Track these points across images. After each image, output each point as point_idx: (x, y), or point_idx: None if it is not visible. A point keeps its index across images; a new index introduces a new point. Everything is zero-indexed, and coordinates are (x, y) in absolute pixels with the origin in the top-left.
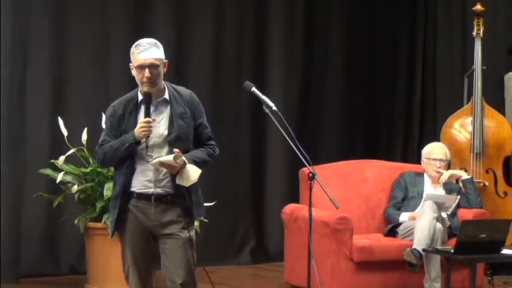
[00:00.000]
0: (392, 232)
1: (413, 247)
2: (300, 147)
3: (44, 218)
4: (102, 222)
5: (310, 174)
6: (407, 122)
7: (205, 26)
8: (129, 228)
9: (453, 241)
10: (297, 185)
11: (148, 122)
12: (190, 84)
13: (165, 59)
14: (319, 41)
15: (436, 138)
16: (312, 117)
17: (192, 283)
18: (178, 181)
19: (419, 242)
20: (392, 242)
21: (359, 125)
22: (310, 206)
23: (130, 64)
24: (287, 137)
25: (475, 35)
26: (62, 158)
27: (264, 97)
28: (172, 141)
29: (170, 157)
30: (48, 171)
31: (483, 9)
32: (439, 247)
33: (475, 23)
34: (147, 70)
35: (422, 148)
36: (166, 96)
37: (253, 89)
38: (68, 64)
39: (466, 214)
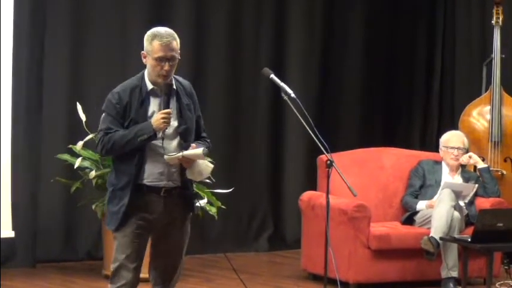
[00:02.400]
0: (409, 220)
1: (430, 235)
2: (318, 134)
3: (62, 203)
4: None
5: (328, 162)
6: (425, 111)
7: (224, 11)
8: (132, 225)
9: (470, 230)
10: (314, 173)
11: (169, 113)
12: (208, 71)
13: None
14: (338, 29)
15: (454, 126)
16: (331, 105)
17: (176, 282)
18: (189, 175)
19: (436, 230)
20: (409, 230)
21: (377, 113)
22: (327, 193)
23: (143, 52)
24: (305, 124)
25: (494, 24)
26: (80, 143)
27: (282, 84)
28: (183, 132)
29: (198, 151)
30: (66, 157)
31: None
32: (456, 236)
33: (494, 11)
34: (167, 63)
35: (440, 136)
36: (174, 87)
37: (272, 75)
38: (86, 49)
39: (484, 203)
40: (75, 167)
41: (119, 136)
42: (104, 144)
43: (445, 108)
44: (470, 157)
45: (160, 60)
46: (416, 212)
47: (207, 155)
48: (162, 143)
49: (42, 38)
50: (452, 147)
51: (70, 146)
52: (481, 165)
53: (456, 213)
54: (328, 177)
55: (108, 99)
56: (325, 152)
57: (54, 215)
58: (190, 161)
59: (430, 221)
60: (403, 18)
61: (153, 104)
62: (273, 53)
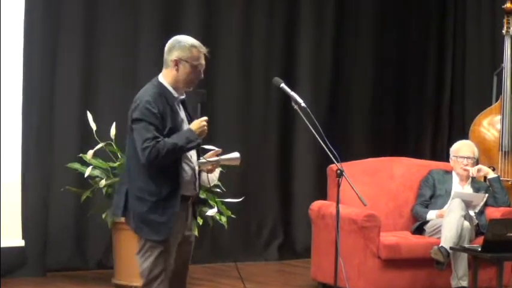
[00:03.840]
0: (419, 230)
1: (440, 245)
2: (328, 143)
3: (72, 212)
4: None
5: (338, 171)
6: (436, 120)
7: (235, 21)
8: (175, 235)
9: (480, 239)
10: (324, 182)
11: (207, 121)
12: (218, 80)
13: None
14: (348, 39)
15: (465, 136)
16: (341, 114)
17: None
18: (204, 182)
19: (446, 240)
20: (419, 240)
21: (388, 122)
22: (337, 202)
23: (176, 59)
24: (315, 134)
25: (504, 33)
26: (91, 152)
27: (292, 93)
28: None
29: (236, 155)
30: (77, 166)
31: None
32: (466, 245)
33: (504, 21)
34: (201, 71)
35: (451, 146)
36: (184, 95)
37: (282, 85)
38: (97, 58)
39: (494, 212)
40: (85, 175)
41: (171, 144)
42: (159, 151)
43: (456, 118)
44: (479, 170)
45: (196, 67)
46: (426, 222)
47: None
48: (199, 151)
49: (54, 47)
50: (462, 157)
51: (80, 155)
52: (491, 175)
53: (466, 223)
54: (338, 186)
55: (147, 109)
56: (335, 162)
57: (65, 224)
58: (216, 167)
59: (440, 230)
60: (413, 28)
61: (180, 112)
62: (283, 62)
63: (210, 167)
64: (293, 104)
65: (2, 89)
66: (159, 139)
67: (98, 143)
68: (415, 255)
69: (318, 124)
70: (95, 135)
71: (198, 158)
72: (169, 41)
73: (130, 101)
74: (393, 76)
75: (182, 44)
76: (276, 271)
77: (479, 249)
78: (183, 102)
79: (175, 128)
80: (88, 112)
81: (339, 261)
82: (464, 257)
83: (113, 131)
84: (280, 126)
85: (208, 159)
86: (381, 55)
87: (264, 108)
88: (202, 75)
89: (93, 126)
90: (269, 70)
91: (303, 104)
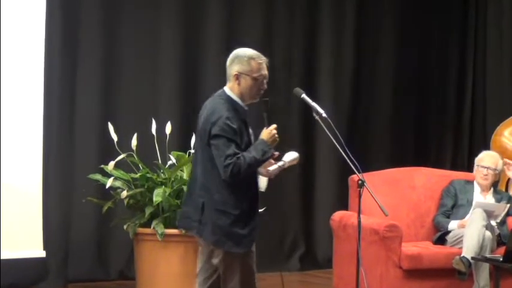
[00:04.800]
0: (441, 240)
1: (462, 255)
2: (350, 154)
3: (93, 223)
4: (152, 227)
5: (360, 182)
6: (457, 130)
7: (254, 32)
8: (253, 247)
9: (502, 249)
10: (346, 192)
11: (276, 129)
12: None
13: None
14: (370, 48)
15: (486, 146)
16: (362, 125)
17: None
18: (263, 187)
19: (468, 250)
20: (441, 250)
21: (409, 133)
22: (359, 213)
23: (236, 73)
24: (337, 144)
25: None
26: (112, 163)
27: (314, 104)
28: None
29: (296, 154)
30: (98, 177)
31: None
32: (488, 255)
33: None
34: (265, 81)
35: (471, 156)
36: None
37: (303, 95)
38: (118, 70)
39: None
40: (106, 186)
41: (250, 159)
42: (240, 168)
43: (477, 128)
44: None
45: (259, 79)
46: (448, 232)
47: None
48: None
49: (75, 57)
50: (483, 167)
51: (102, 166)
52: None
53: (488, 233)
54: (360, 197)
55: (227, 125)
56: (356, 172)
57: (86, 235)
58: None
59: (461, 240)
60: (434, 39)
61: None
62: (304, 73)
63: (276, 172)
64: (314, 114)
65: (24, 101)
66: (239, 155)
67: (119, 154)
68: (437, 266)
69: (339, 134)
70: (116, 146)
71: None
72: (231, 55)
73: (152, 113)
74: (414, 86)
75: (240, 58)
76: (297, 282)
77: (501, 259)
78: None
79: (250, 141)
80: (109, 123)
81: (360, 271)
82: (486, 267)
83: (134, 142)
84: (301, 137)
85: (284, 162)
86: (402, 65)
87: (284, 117)
88: (266, 86)
89: (115, 137)
90: (289, 80)
91: (324, 114)
